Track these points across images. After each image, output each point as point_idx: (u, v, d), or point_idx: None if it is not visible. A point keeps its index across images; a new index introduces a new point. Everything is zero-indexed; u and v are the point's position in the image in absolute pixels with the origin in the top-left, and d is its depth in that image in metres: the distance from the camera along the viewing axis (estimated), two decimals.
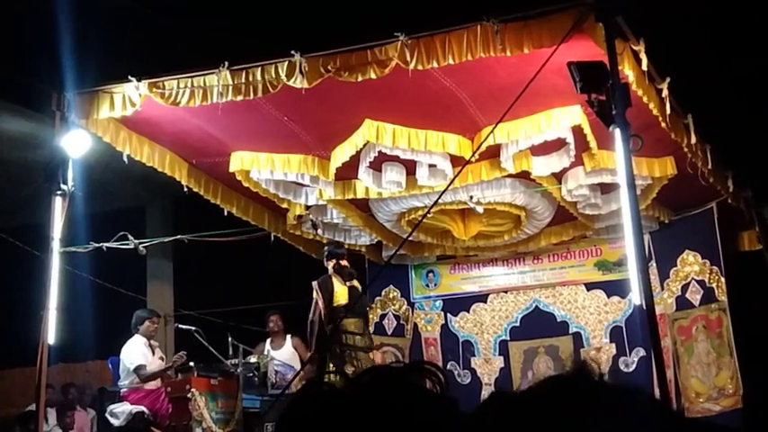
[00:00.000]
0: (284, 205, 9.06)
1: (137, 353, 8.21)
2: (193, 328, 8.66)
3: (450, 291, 10.96)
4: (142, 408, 7.93)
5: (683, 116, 7.46)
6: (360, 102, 7.16)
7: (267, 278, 11.81)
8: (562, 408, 1.15)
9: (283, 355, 9.26)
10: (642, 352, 9.74)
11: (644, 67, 6.24)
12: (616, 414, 1.15)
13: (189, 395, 7.67)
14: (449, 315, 10.88)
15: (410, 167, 8.06)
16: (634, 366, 9.87)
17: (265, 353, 9.16)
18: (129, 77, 6.91)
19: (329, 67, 6.45)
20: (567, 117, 7.16)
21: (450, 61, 6.20)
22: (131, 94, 6.95)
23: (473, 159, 7.42)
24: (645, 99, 6.48)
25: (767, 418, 8.96)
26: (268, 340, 9.51)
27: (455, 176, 7.31)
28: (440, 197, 7.10)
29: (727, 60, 10.57)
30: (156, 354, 8.48)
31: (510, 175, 8.22)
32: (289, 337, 9.50)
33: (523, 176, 8.28)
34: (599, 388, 1.19)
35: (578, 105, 6.95)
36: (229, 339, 8.59)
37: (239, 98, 6.71)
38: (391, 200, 8.76)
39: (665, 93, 6.73)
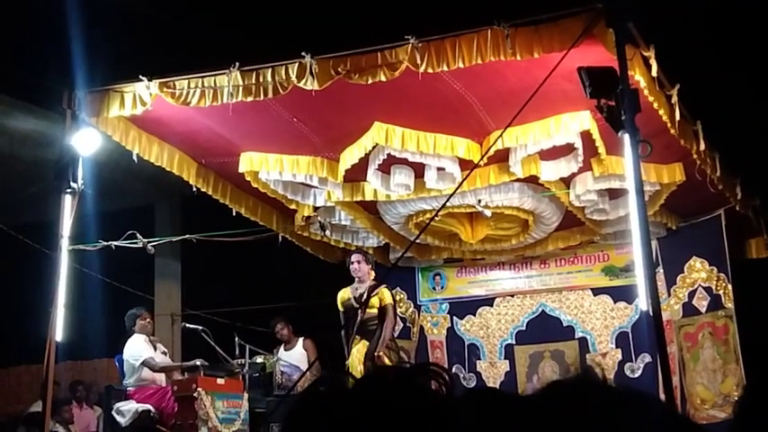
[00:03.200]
0: (292, 206, 9.07)
1: (139, 347, 8.26)
2: (200, 327, 8.67)
3: (456, 294, 10.96)
4: (148, 406, 7.95)
5: (693, 123, 7.45)
6: (369, 104, 7.17)
7: (275, 279, 11.83)
8: (567, 411, 1.16)
9: (293, 356, 9.32)
10: (648, 358, 9.73)
11: (654, 73, 6.24)
12: (621, 418, 1.15)
13: (195, 394, 7.68)
14: (455, 318, 10.87)
15: (419, 170, 8.06)
16: (640, 372, 9.86)
17: (276, 353, 9.22)
18: (140, 77, 6.93)
19: (339, 69, 6.46)
20: (576, 122, 7.15)
21: (461, 65, 6.21)
22: (142, 94, 6.96)
23: (482, 163, 7.43)
24: (654, 105, 6.48)
25: None
26: (282, 345, 9.59)
27: (463, 180, 7.32)
28: (448, 200, 7.10)
29: (736, 67, 10.54)
30: (159, 348, 8.51)
31: (518, 180, 8.22)
32: (301, 339, 9.57)
33: (532, 181, 8.28)
34: (604, 392, 1.20)
35: (587, 110, 6.95)
36: (236, 339, 8.61)
37: (249, 99, 6.72)
38: (399, 202, 8.76)
39: (674, 99, 6.73)
